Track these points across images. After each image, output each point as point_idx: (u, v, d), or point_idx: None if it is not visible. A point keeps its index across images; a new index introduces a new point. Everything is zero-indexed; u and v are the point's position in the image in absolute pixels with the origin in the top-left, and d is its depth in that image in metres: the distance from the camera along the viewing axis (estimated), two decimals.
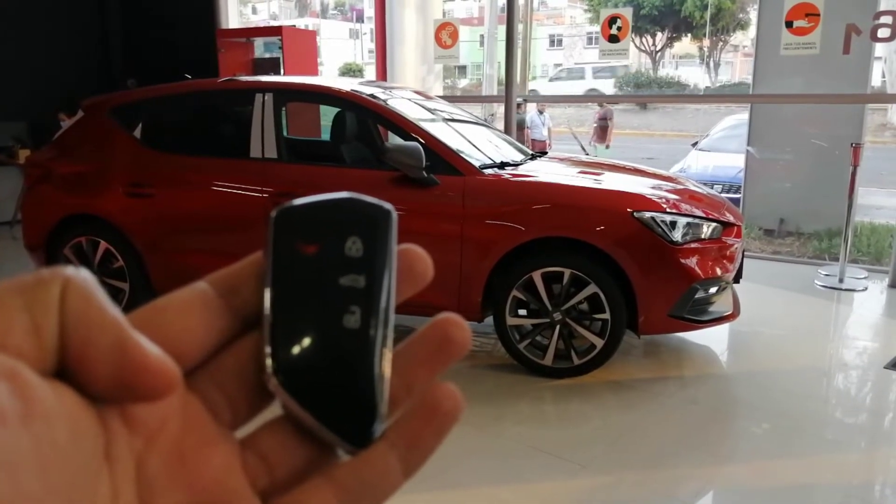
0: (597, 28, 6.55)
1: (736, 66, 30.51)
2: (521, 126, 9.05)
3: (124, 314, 0.26)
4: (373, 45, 10.51)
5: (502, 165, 4.01)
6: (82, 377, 0.25)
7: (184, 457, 0.28)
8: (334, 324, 0.29)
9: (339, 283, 0.29)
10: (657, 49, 29.65)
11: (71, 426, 0.24)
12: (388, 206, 0.31)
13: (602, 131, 12.66)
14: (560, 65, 36.01)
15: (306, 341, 0.29)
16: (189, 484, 0.28)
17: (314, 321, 0.29)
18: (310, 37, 8.95)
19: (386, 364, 0.30)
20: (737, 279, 3.97)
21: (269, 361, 0.29)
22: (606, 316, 3.57)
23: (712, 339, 4.25)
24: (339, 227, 0.30)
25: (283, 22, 30.72)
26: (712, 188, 5.87)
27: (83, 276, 0.25)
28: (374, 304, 0.29)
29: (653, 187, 3.96)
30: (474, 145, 4.17)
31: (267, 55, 7.94)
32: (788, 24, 5.50)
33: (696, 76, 29.12)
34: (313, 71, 7.97)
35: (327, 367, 0.29)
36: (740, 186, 8.04)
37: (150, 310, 0.28)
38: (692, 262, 3.56)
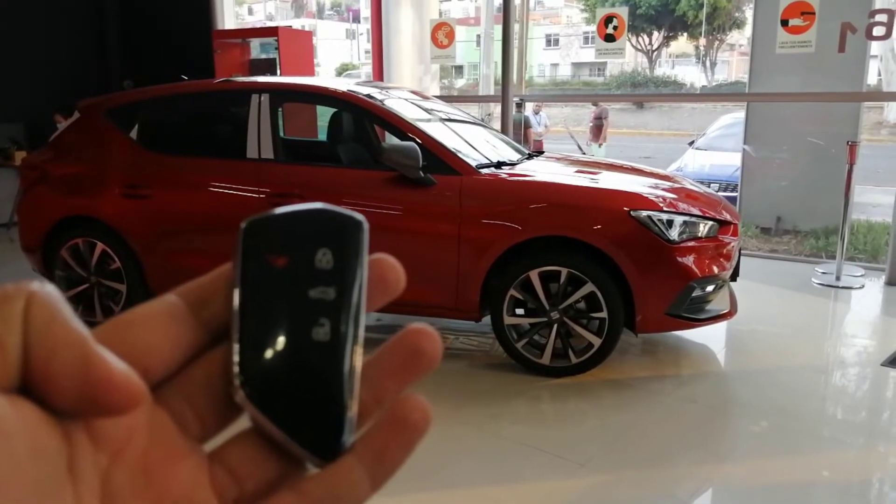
0: (593, 27, 6.55)
1: (732, 64, 30.55)
2: (524, 125, 9.05)
3: (94, 327, 0.26)
4: (369, 46, 10.50)
5: (499, 165, 4.02)
6: (46, 392, 0.24)
7: (150, 471, 0.28)
8: (303, 336, 0.29)
9: (309, 296, 0.29)
10: (653, 48, 29.68)
11: (32, 443, 0.24)
12: (359, 217, 0.31)
13: (597, 130, 12.67)
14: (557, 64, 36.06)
15: (274, 354, 0.29)
16: (155, 498, 0.28)
17: (283, 334, 0.29)
18: (306, 37, 8.94)
19: (355, 377, 0.29)
20: (734, 277, 3.98)
21: (236, 374, 0.29)
22: (604, 315, 3.57)
23: (710, 337, 4.25)
24: (310, 239, 0.30)
25: (279, 22, 30.70)
26: (709, 187, 5.88)
27: (48, 290, 0.25)
28: (344, 316, 0.29)
29: (650, 186, 3.97)
30: (471, 145, 4.17)
31: (263, 56, 7.93)
32: (784, 23, 5.51)
33: (692, 75, 29.16)
34: (310, 71, 7.96)
35: (295, 380, 0.29)
36: (737, 185, 8.05)
37: (116, 323, 0.28)
38: (689, 260, 3.56)
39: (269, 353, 0.29)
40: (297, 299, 0.29)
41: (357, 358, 0.30)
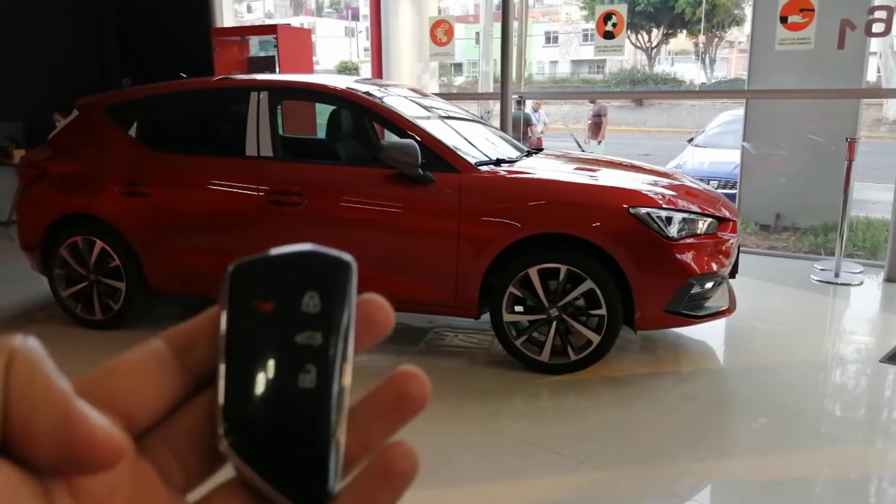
0: (592, 25, 6.54)
1: (731, 61, 30.52)
2: (526, 122, 9.03)
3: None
4: (368, 43, 10.49)
5: (498, 162, 4.01)
6: (26, 451, 0.24)
7: None
8: (289, 383, 0.29)
9: (295, 341, 0.29)
10: (653, 45, 29.67)
11: None
12: (347, 257, 0.30)
13: (596, 128, 12.65)
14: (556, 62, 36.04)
15: (259, 402, 0.29)
16: None
17: (268, 381, 0.29)
18: (305, 35, 8.92)
19: (341, 424, 0.29)
20: (732, 274, 3.98)
21: (220, 422, 0.28)
22: (603, 312, 3.57)
23: (709, 334, 4.26)
24: (297, 282, 0.30)
25: (278, 20, 30.65)
26: (708, 184, 5.88)
27: (30, 346, 0.25)
28: (330, 362, 0.29)
29: (649, 183, 3.97)
30: (470, 142, 4.17)
31: (262, 54, 7.92)
32: (783, 20, 5.51)
33: (691, 72, 29.14)
34: (309, 69, 7.96)
35: (280, 429, 0.29)
36: (736, 182, 8.05)
37: (102, 372, 0.28)
38: (688, 257, 3.56)
39: (253, 402, 0.29)
40: (284, 345, 0.29)
41: (343, 403, 0.29)
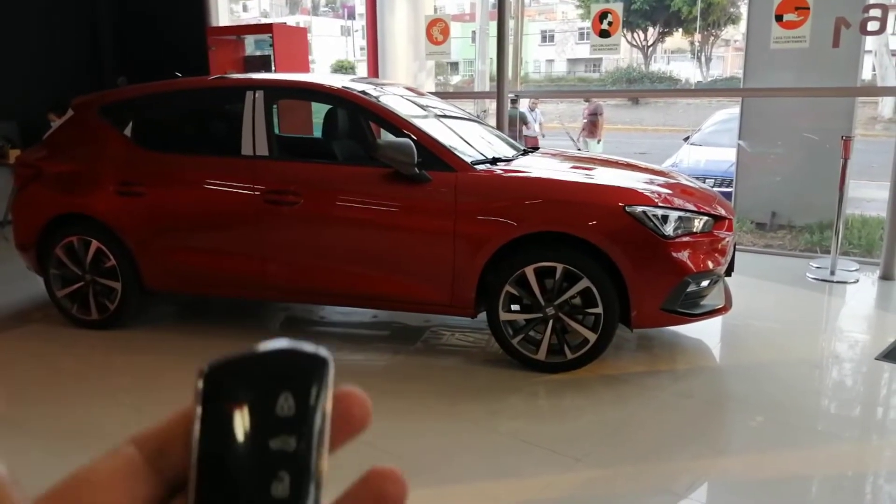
0: (588, 23, 6.54)
1: (727, 60, 30.58)
2: (521, 121, 9.04)
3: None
4: (364, 42, 10.49)
5: (494, 161, 4.02)
6: None
7: None
8: (261, 492, 0.28)
9: (269, 447, 0.29)
10: (649, 44, 29.71)
11: None
12: (324, 354, 0.30)
13: (592, 126, 12.65)
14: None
15: None
16: None
17: (240, 489, 0.28)
18: (301, 34, 8.90)
19: None
20: (728, 272, 3.99)
21: None
22: (599, 310, 3.57)
23: (705, 332, 4.26)
24: (272, 383, 0.29)
25: (273, 19, 30.60)
26: (704, 182, 5.89)
27: None
28: (305, 468, 0.28)
29: (644, 182, 3.97)
30: (466, 141, 4.17)
31: (258, 53, 7.90)
32: (778, 18, 5.52)
33: (687, 71, 29.19)
34: (305, 68, 7.95)
35: None
36: (732, 180, 8.06)
37: (72, 483, 0.27)
38: (684, 255, 3.57)
39: None
40: (257, 451, 0.28)
41: None
